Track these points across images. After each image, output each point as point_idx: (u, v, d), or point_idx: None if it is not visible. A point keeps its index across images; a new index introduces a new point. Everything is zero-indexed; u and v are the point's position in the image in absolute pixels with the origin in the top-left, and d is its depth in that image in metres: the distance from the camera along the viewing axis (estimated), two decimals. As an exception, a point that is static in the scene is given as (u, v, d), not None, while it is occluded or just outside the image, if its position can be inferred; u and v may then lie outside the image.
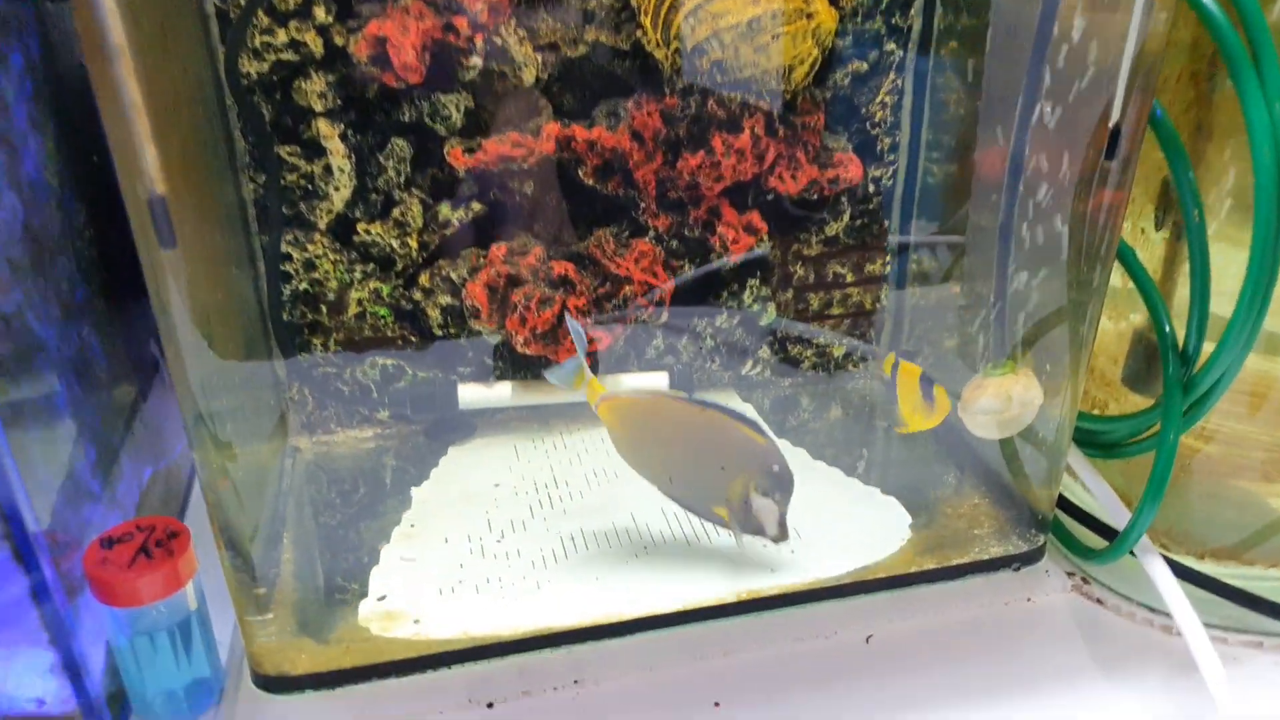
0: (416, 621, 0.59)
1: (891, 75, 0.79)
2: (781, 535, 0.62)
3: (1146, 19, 0.52)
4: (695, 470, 0.63)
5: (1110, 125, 0.53)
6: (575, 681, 0.57)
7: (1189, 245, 0.55)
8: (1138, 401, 0.66)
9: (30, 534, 0.47)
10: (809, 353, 0.88)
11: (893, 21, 0.77)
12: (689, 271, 0.78)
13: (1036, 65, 0.62)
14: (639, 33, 0.70)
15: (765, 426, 0.62)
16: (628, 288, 0.76)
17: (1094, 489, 0.64)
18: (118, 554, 0.49)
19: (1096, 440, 0.66)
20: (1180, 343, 0.57)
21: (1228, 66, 0.49)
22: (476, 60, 0.69)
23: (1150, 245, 0.62)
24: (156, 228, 0.41)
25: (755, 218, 0.78)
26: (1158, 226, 0.61)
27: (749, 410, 0.83)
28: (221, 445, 0.55)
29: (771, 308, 0.82)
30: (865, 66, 0.78)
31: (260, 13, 0.65)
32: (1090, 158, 0.58)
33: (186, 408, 0.48)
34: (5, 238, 0.47)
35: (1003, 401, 0.61)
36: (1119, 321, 0.66)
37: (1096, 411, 0.69)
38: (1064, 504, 0.69)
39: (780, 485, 0.61)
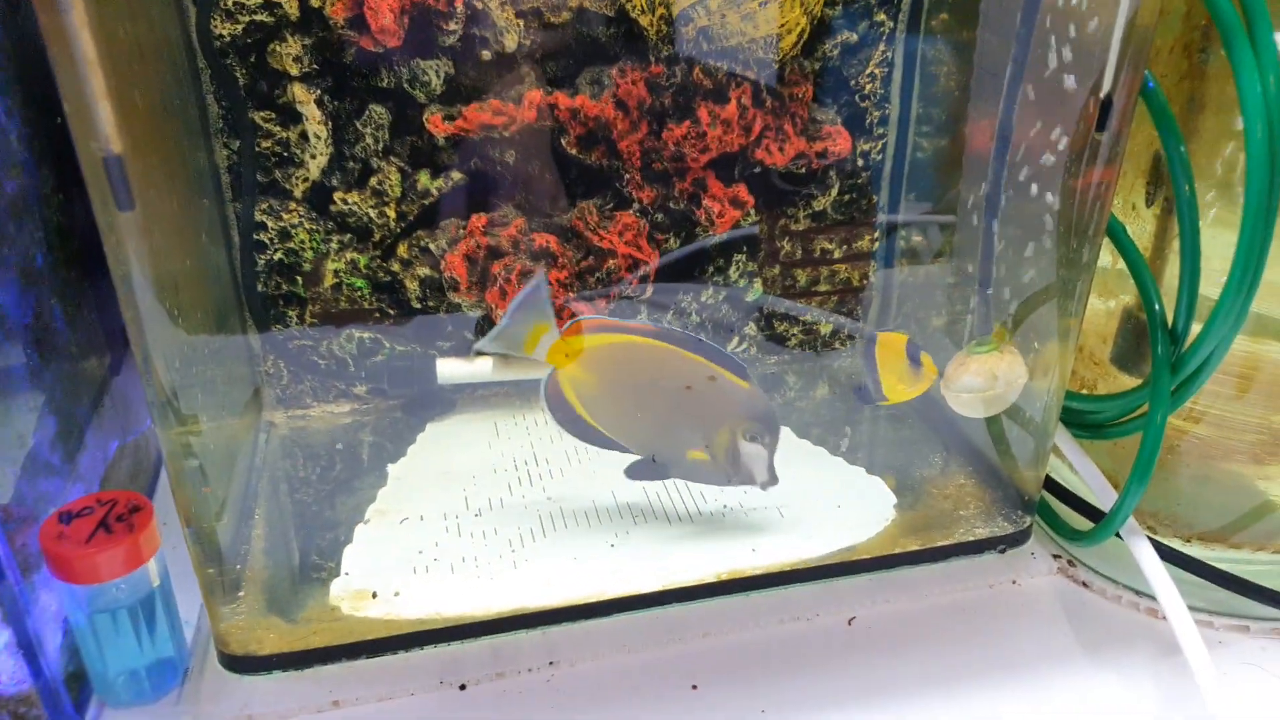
0: (396, 594, 0.58)
1: (881, 47, 0.77)
2: (771, 480, 0.60)
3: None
4: (674, 424, 0.60)
5: (1101, 95, 0.51)
6: (550, 663, 0.56)
7: (1179, 221, 0.54)
8: (1126, 381, 0.65)
9: (-16, 507, 0.45)
10: (796, 330, 0.86)
11: (883, -11, 0.75)
12: (674, 248, 0.77)
13: (1025, 38, 0.60)
14: (625, 1, 0.69)
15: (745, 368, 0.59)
16: (611, 261, 0.75)
17: (1081, 470, 0.63)
18: (76, 529, 0.47)
19: (1084, 420, 0.65)
20: (1169, 321, 0.56)
21: (1221, 35, 0.47)
22: (456, 26, 0.67)
23: (1141, 221, 0.60)
24: (113, 188, 0.39)
25: (742, 190, 0.76)
26: (1148, 202, 0.60)
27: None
28: (186, 420, 0.53)
29: (758, 283, 0.81)
30: (855, 37, 0.76)
31: (232, -28, 0.63)
32: (1080, 130, 0.57)
33: (148, 379, 0.46)
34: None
35: (987, 379, 0.60)
36: (1108, 300, 0.65)
37: (1085, 391, 0.68)
38: (1050, 485, 0.68)
39: (768, 429, 0.60)
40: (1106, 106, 0.51)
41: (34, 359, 0.52)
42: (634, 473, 0.62)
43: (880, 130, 0.80)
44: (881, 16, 0.76)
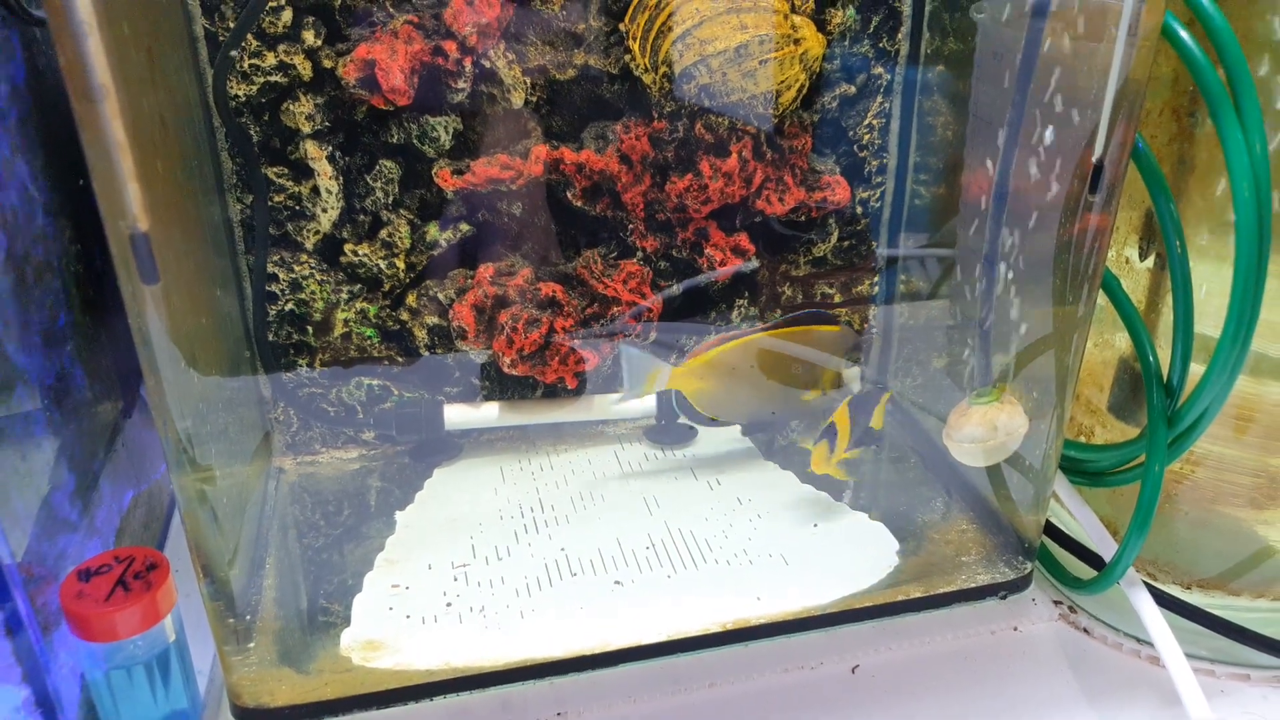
0: (406, 645, 0.59)
1: (879, 98, 0.79)
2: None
3: (1128, 54, 0.52)
4: (786, 388, 0.76)
5: (1094, 160, 0.52)
6: (558, 714, 0.57)
7: (1171, 277, 0.55)
8: (1124, 428, 0.66)
9: (3, 567, 0.46)
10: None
11: (880, 45, 0.77)
12: (676, 286, 0.78)
13: (1020, 102, 0.62)
14: (627, 57, 0.70)
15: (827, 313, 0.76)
16: (615, 309, 0.76)
17: (1080, 518, 0.64)
18: (94, 587, 0.48)
19: (1083, 468, 0.66)
20: (1165, 374, 0.57)
21: (1207, 104, 0.49)
22: (465, 84, 0.69)
23: (1135, 275, 0.62)
24: (139, 264, 0.40)
25: (743, 239, 0.78)
26: (1142, 257, 0.61)
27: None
28: (203, 473, 0.54)
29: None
30: (853, 90, 0.78)
31: (249, 36, 0.65)
32: (1075, 188, 0.58)
33: (168, 439, 0.48)
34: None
35: (988, 430, 0.61)
36: (1104, 349, 0.66)
37: (1083, 439, 0.69)
38: (1051, 530, 0.69)
39: (859, 348, 0.76)
40: (1098, 171, 0.53)
41: (55, 417, 0.54)
42: (751, 429, 0.82)
43: (879, 179, 0.82)
44: (879, 70, 0.78)
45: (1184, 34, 0.50)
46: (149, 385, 0.46)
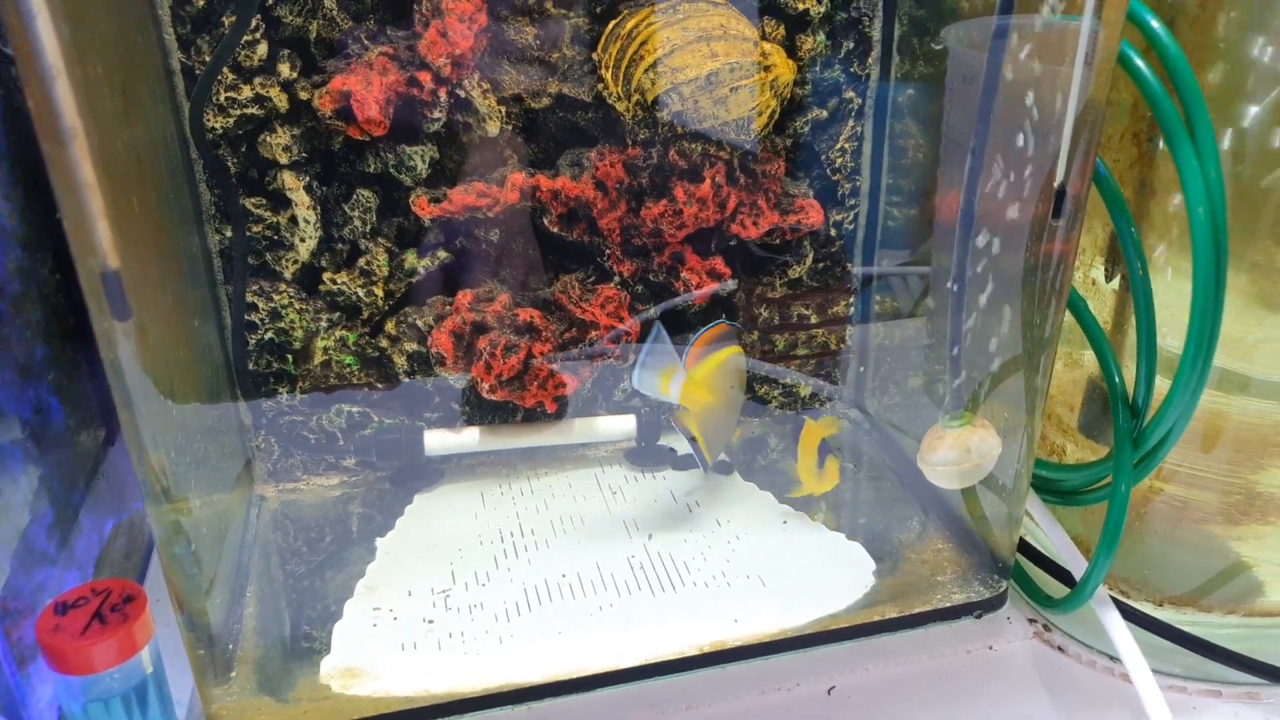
0: (385, 672, 0.59)
1: (851, 122, 0.80)
2: None
3: (1086, 81, 0.53)
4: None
5: (1055, 185, 0.53)
6: (536, 738, 0.58)
7: (1134, 299, 0.56)
8: (1095, 447, 0.67)
9: (-18, 601, 0.47)
10: (776, 393, 0.88)
11: (851, 70, 0.78)
12: (653, 309, 0.79)
13: (984, 127, 0.63)
14: (601, 86, 0.71)
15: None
16: (594, 333, 0.77)
17: (1052, 537, 0.65)
18: (71, 620, 0.49)
19: (1054, 487, 0.67)
20: (1130, 395, 0.58)
21: (1162, 131, 0.50)
22: (440, 113, 0.69)
23: (1101, 296, 0.63)
24: (110, 301, 0.41)
25: (719, 263, 0.78)
26: (1108, 278, 0.62)
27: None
28: (178, 504, 0.55)
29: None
30: (825, 114, 0.79)
31: (225, 69, 0.66)
32: (1040, 210, 0.59)
33: (142, 473, 0.48)
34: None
35: (960, 453, 0.62)
36: (1074, 369, 0.67)
37: (1055, 458, 0.70)
38: (1025, 549, 0.70)
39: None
40: (1060, 196, 0.54)
41: (33, 450, 0.54)
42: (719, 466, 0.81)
43: (852, 201, 0.82)
44: (850, 94, 0.79)
45: (1139, 62, 0.51)
46: (123, 420, 0.46)
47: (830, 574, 0.69)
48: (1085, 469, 0.62)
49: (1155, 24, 0.51)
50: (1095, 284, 0.63)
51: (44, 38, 0.36)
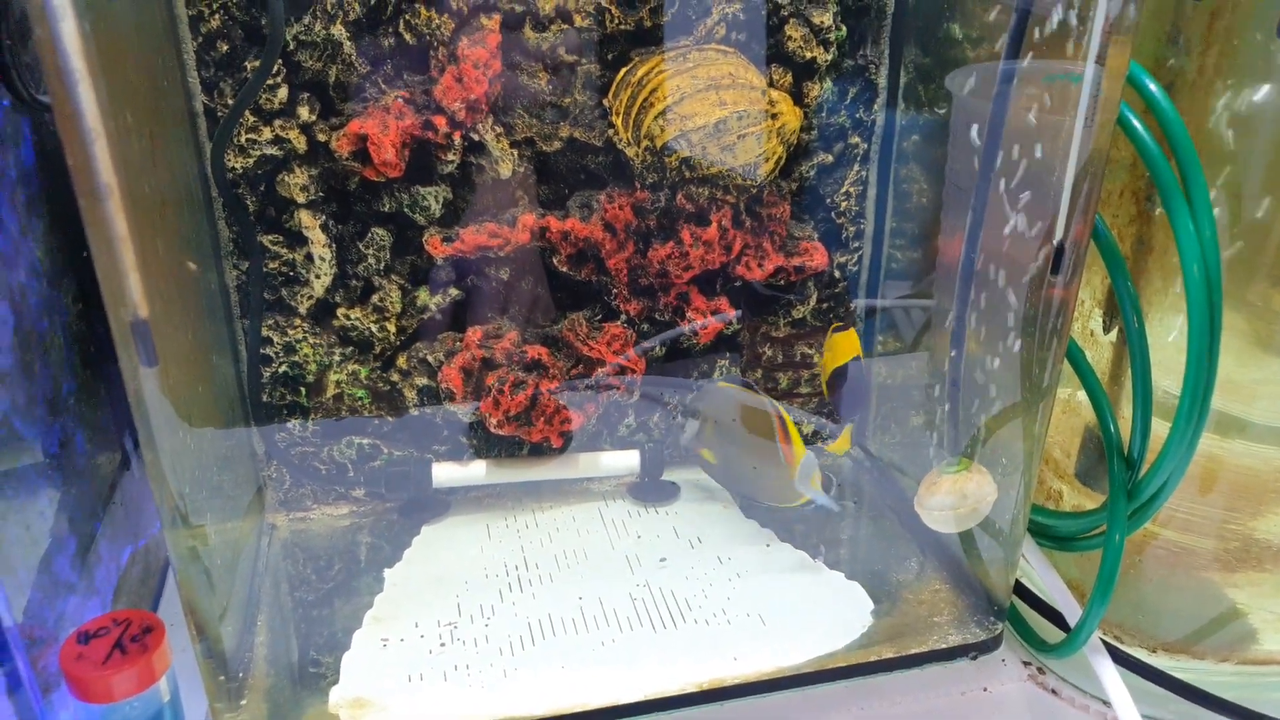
0: (391, 704, 0.61)
1: (856, 167, 0.82)
2: None
3: (1086, 141, 0.55)
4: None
5: (1055, 242, 0.55)
6: (539, 772, 0.59)
7: (1130, 353, 0.57)
8: (1092, 494, 0.68)
9: (5, 630, 0.48)
10: (779, 429, 0.90)
11: (857, 115, 0.80)
12: (657, 340, 0.80)
13: (985, 178, 0.65)
14: (611, 131, 0.73)
15: None
16: (600, 369, 0.79)
17: (1047, 583, 0.66)
18: (93, 649, 0.50)
19: (1049, 533, 0.68)
20: (1126, 447, 0.59)
21: (1159, 192, 0.51)
22: (454, 156, 0.71)
23: (1099, 347, 0.64)
24: (140, 348, 0.43)
25: (723, 303, 0.80)
26: (1105, 330, 0.64)
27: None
28: (196, 531, 0.56)
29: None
30: (830, 158, 0.80)
31: (246, 111, 0.68)
32: (1040, 260, 0.61)
33: (164, 505, 0.50)
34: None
35: (957, 498, 0.63)
36: (1072, 416, 0.69)
37: (1051, 502, 0.71)
38: (1021, 590, 0.71)
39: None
40: (1059, 253, 0.55)
41: (56, 481, 0.56)
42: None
43: (856, 244, 0.84)
44: (855, 139, 0.80)
45: (1138, 124, 0.53)
46: (146, 459, 0.48)
47: (829, 613, 0.70)
48: (1080, 517, 0.64)
49: (1153, 87, 0.52)
50: (1093, 335, 0.65)
51: (85, 101, 0.37)
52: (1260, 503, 0.66)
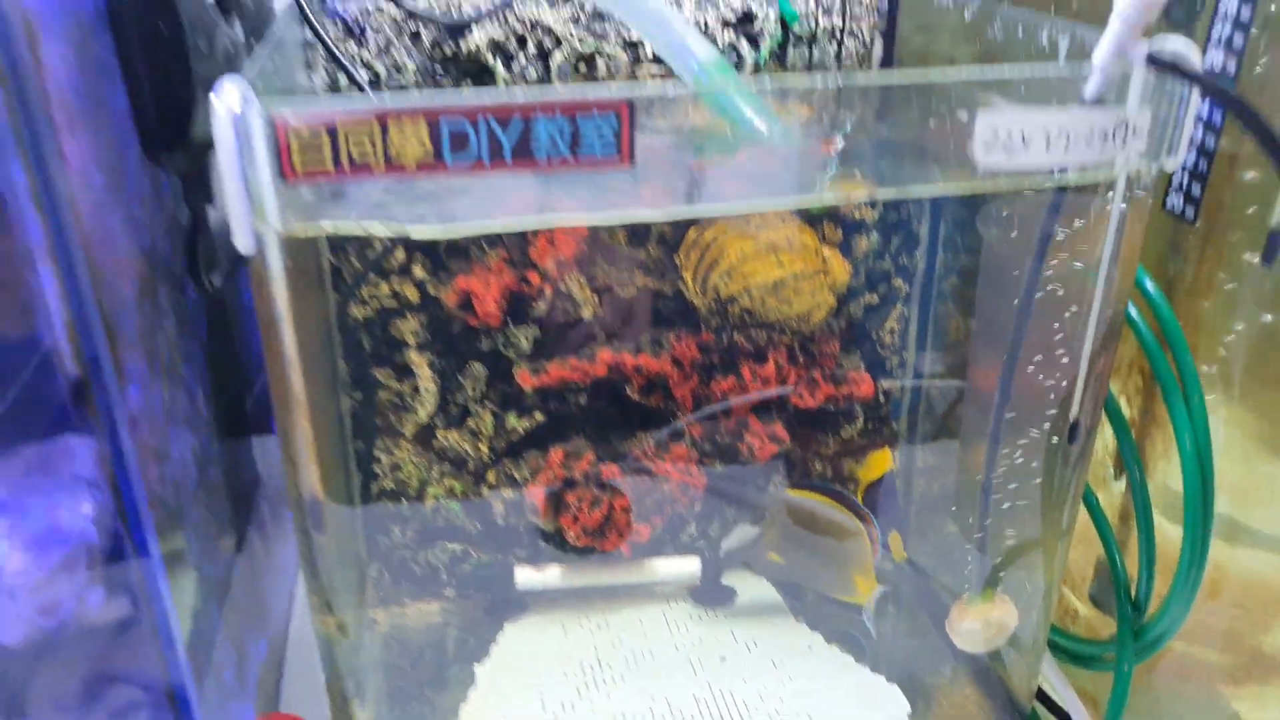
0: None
1: (899, 305, 0.91)
2: None
3: (1102, 320, 0.64)
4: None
5: (1071, 418, 0.64)
6: None
7: (1135, 505, 0.66)
8: (1105, 617, 0.76)
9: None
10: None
11: (900, 261, 0.89)
12: (719, 474, 0.90)
13: (1018, 333, 0.73)
14: (680, 284, 0.83)
15: None
16: (666, 485, 0.88)
17: (1065, 698, 0.74)
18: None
19: (1065, 651, 0.76)
20: (1133, 590, 0.68)
21: (1158, 381, 0.60)
22: (544, 303, 0.82)
23: (1111, 494, 0.73)
24: (313, 521, 0.53)
25: (779, 428, 0.89)
26: (1116, 476, 0.72)
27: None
28: (337, 621, 0.66)
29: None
30: (875, 299, 0.90)
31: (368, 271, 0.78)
32: (1060, 411, 0.69)
33: (320, 629, 0.60)
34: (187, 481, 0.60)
35: (983, 624, 0.72)
36: (1086, 546, 0.77)
37: (1069, 616, 0.79)
38: (1043, 696, 0.79)
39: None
40: (1075, 426, 0.64)
41: (221, 599, 0.66)
42: None
43: (899, 373, 0.93)
44: (899, 282, 0.90)
45: (1140, 324, 0.62)
46: (309, 588, 0.58)
47: (871, 714, 0.79)
48: (1093, 644, 0.72)
49: (1151, 288, 0.61)
50: (1105, 481, 0.73)
51: (287, 342, 0.48)
52: (1268, 614, 0.73)
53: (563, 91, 0.42)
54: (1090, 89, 0.50)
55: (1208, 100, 0.63)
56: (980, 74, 0.50)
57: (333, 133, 0.41)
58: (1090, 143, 0.50)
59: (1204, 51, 0.67)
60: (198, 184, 0.59)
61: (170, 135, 0.50)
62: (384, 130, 0.41)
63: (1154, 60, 0.47)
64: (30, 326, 0.41)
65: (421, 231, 0.50)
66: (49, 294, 0.41)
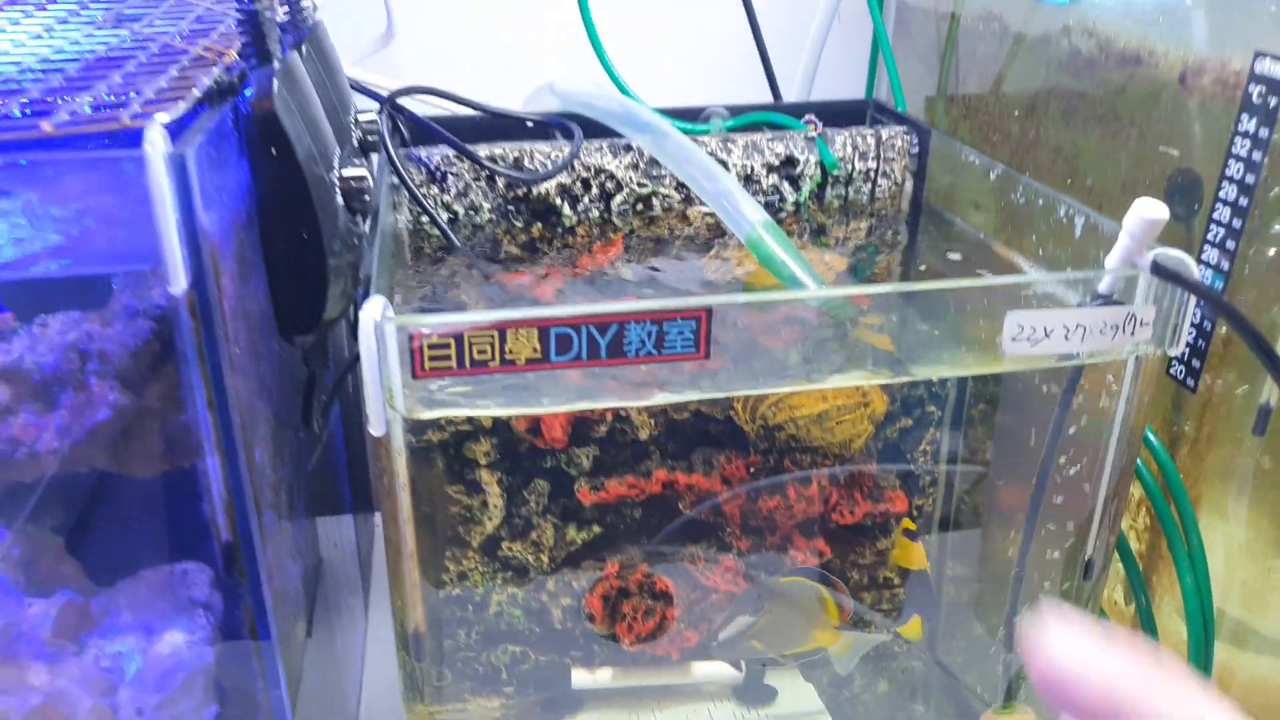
0: None
1: (931, 429, 0.98)
2: None
3: (1119, 460, 0.70)
4: None
5: (1084, 558, 0.70)
6: None
7: (1142, 629, 0.72)
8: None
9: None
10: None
11: (933, 390, 0.96)
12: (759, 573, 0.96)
13: (1044, 475, 0.80)
14: (731, 413, 0.90)
15: None
16: (714, 595, 0.95)
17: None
18: None
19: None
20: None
21: (1162, 527, 0.67)
22: (604, 428, 0.89)
23: (1121, 617, 0.79)
24: (414, 651, 0.60)
25: (820, 542, 0.96)
26: (1126, 601, 0.78)
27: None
28: (431, 710, 0.73)
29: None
30: (910, 422, 0.97)
31: (447, 399, 0.86)
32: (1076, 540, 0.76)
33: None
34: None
35: (1011, 738, 0.78)
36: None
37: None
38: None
39: None
40: (1090, 564, 0.71)
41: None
42: None
43: (931, 490, 1.00)
44: (931, 408, 0.97)
45: (1146, 472, 0.68)
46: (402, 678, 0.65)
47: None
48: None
49: (1154, 441, 0.68)
50: (1115, 604, 0.79)
51: (403, 505, 0.55)
52: (1275, 718, 0.77)
53: (653, 304, 0.50)
54: (1103, 288, 0.57)
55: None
56: (1014, 281, 0.58)
57: (459, 339, 0.49)
58: (1103, 333, 0.57)
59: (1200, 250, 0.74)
60: (317, 351, 0.67)
61: (306, 323, 0.59)
62: (502, 338, 0.49)
63: (1158, 269, 0.55)
64: (196, 504, 0.49)
65: (521, 413, 0.57)
66: (213, 479, 0.48)
